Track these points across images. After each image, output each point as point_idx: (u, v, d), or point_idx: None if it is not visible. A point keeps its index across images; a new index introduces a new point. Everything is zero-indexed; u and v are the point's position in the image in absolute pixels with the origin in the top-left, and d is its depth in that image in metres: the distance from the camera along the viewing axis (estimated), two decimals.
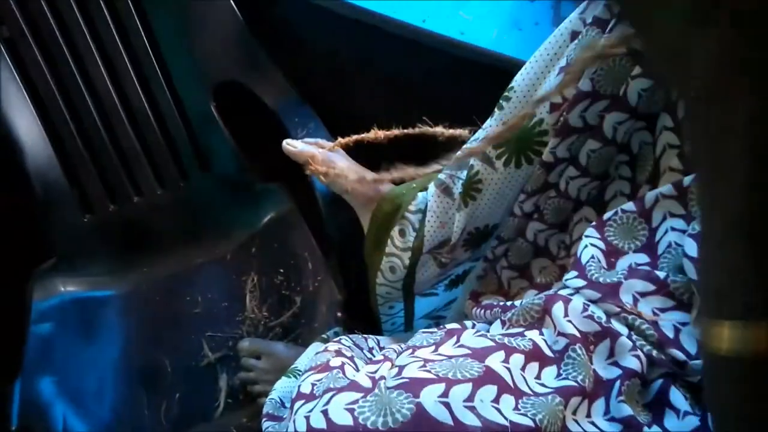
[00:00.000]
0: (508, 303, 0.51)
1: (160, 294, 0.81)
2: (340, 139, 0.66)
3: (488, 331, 0.46)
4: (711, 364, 0.28)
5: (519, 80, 0.56)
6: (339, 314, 0.74)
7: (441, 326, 0.49)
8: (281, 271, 0.81)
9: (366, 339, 0.59)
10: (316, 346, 0.62)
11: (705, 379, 0.30)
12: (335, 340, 0.56)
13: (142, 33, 0.83)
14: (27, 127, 0.81)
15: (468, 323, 0.50)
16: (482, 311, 0.55)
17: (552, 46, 0.55)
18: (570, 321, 0.41)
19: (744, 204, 0.26)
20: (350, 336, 0.58)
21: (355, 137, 0.66)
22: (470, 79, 0.71)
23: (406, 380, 0.37)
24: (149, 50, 0.83)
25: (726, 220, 0.27)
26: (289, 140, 0.64)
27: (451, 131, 0.66)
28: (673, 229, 0.46)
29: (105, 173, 0.84)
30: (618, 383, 0.39)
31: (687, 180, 0.48)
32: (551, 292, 0.46)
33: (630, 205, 0.50)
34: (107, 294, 0.81)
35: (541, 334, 0.42)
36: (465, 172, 0.59)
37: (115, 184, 0.84)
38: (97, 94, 0.83)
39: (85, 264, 0.82)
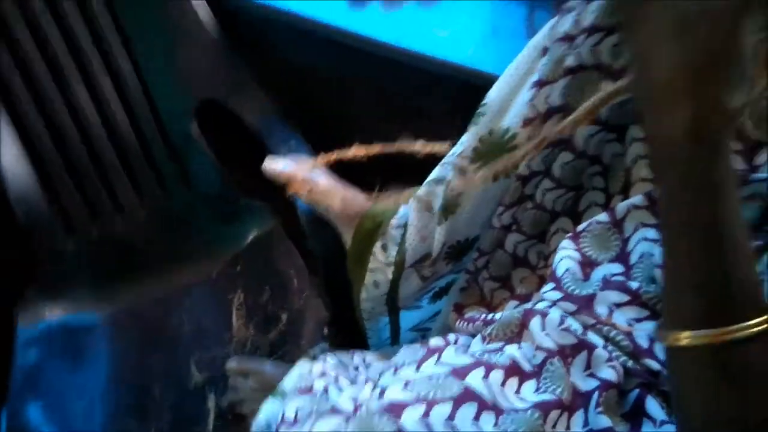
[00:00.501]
0: (489, 316, 0.52)
1: (146, 316, 0.81)
2: (320, 157, 0.67)
3: (469, 347, 0.47)
4: (670, 356, 0.35)
5: (492, 96, 0.57)
6: (325, 330, 0.74)
7: (424, 341, 0.50)
8: (267, 288, 0.81)
9: (352, 356, 0.60)
10: (302, 364, 0.63)
11: (668, 371, 0.36)
12: (321, 358, 0.57)
13: (125, 52, 0.83)
14: (6, 148, 0.80)
15: (451, 337, 0.51)
16: (465, 324, 0.56)
17: (524, 62, 0.57)
18: (547, 335, 0.42)
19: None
20: (336, 354, 0.59)
21: (335, 155, 0.67)
22: (448, 95, 0.72)
23: (388, 402, 0.38)
24: (131, 69, 0.84)
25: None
26: (268, 161, 0.65)
27: (430, 146, 0.67)
28: (645, 239, 0.48)
29: (87, 194, 0.84)
30: (596, 395, 0.40)
31: None
32: (529, 305, 0.47)
33: (603, 216, 0.51)
34: (93, 318, 0.81)
35: (520, 348, 0.43)
36: (445, 185, 0.60)
37: (98, 206, 0.84)
38: (78, 113, 0.83)
39: (69, 288, 0.82)
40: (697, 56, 0.29)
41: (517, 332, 0.45)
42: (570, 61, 0.53)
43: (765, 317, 0.31)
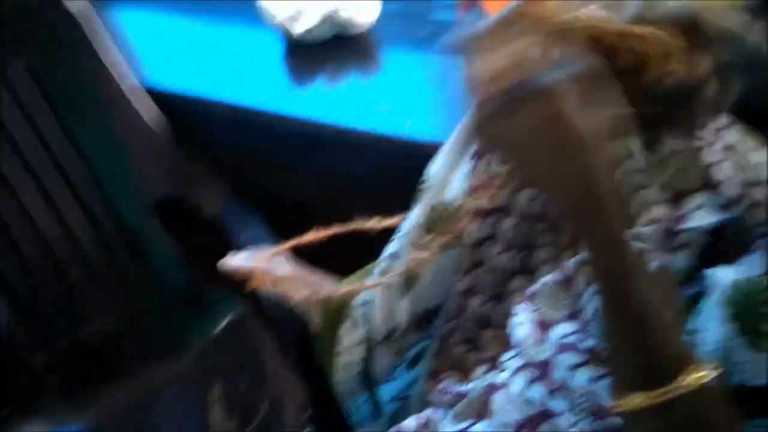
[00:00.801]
0: (461, 388, 0.53)
1: (124, 425, 0.79)
2: (278, 246, 0.68)
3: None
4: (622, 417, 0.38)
5: (434, 170, 0.60)
6: (307, 413, 0.74)
7: (399, 427, 0.50)
8: (243, 378, 0.81)
9: None
10: None
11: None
12: None
13: (77, 160, 0.84)
14: None
15: (423, 417, 0.51)
16: (440, 395, 0.57)
17: (462, 133, 0.59)
18: (510, 409, 0.43)
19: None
20: None
21: (293, 242, 0.68)
22: (392, 167, 0.75)
23: None
24: (84, 176, 0.85)
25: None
26: (226, 260, 0.66)
27: (384, 222, 0.69)
28: (596, 295, 0.49)
29: (51, 306, 0.84)
30: None
31: None
32: (490, 377, 0.48)
33: (554, 275, 0.53)
34: None
35: (487, 426, 0.44)
36: (402, 260, 0.62)
37: (63, 316, 0.84)
38: (38, 226, 0.83)
39: (44, 405, 0.80)
40: (584, 161, 0.33)
41: (481, 409, 0.46)
42: None
43: (698, 374, 0.34)
